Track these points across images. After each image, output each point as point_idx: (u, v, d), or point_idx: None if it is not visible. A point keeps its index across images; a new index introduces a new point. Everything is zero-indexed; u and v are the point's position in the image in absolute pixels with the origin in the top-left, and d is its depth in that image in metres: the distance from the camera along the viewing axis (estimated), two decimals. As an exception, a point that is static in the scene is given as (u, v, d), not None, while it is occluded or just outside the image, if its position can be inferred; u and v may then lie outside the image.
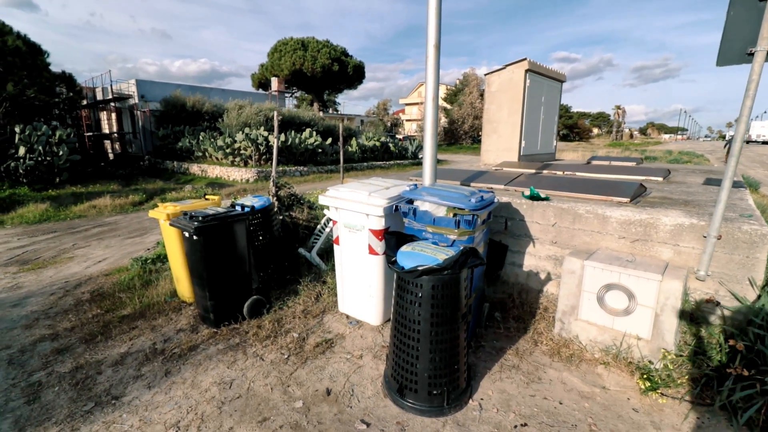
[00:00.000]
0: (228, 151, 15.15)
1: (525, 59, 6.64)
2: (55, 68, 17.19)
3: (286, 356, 2.72)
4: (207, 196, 3.78)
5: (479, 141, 40.59)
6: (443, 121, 39.73)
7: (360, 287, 3.01)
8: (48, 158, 12.11)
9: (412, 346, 2.07)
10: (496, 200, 2.73)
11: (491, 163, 7.32)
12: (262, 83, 34.26)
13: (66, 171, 12.56)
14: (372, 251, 2.82)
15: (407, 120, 58.52)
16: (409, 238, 2.33)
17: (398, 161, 21.62)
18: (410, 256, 2.02)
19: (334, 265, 3.97)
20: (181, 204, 3.41)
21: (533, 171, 5.86)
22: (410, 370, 2.12)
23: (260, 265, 3.76)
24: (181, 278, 3.53)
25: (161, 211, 3.34)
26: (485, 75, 7.19)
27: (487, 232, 2.76)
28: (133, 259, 4.87)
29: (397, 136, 32.48)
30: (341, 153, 5.23)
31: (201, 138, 16.63)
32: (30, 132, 11.93)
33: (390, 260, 2.10)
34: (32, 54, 13.89)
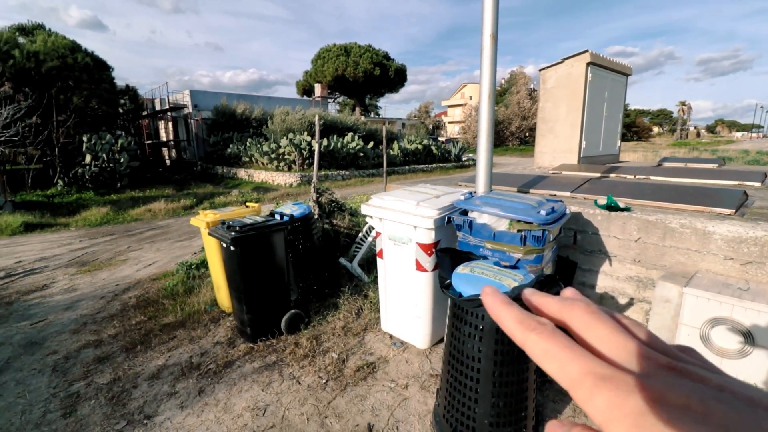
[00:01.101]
0: (273, 156, 15.48)
1: (587, 51, 6.04)
2: (120, 81, 18.55)
3: (324, 381, 2.47)
4: (247, 204, 3.66)
5: (526, 142, 39.17)
6: (487, 122, 38.52)
7: (406, 306, 2.72)
8: (111, 165, 12.97)
9: (470, 387, 1.74)
10: (568, 211, 2.33)
11: (547, 166, 6.74)
12: (306, 90, 35.11)
13: (126, 176, 13.40)
14: (420, 267, 2.52)
15: (449, 122, 57.60)
16: (465, 256, 2.00)
17: (441, 164, 21.14)
18: (469, 281, 1.69)
19: (376, 278, 3.71)
20: (221, 212, 3.30)
21: (598, 175, 5.27)
22: (467, 414, 1.78)
23: (299, 276, 3.58)
24: (221, 286, 3.43)
25: (201, 219, 3.25)
26: (540, 70, 6.66)
27: (556, 249, 2.36)
28: (178, 264, 4.90)
29: (439, 138, 31.90)
30: (384, 157, 4.98)
31: (248, 144, 17.17)
32: (95, 141, 12.83)
33: (444, 284, 1.78)
34: (99, 69, 15.00)
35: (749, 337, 1.91)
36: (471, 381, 1.73)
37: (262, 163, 16.31)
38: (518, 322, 0.25)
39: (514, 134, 38.34)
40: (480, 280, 1.68)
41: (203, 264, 4.81)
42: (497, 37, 2.89)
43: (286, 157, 15.38)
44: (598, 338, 0.23)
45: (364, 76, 31.91)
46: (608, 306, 2.84)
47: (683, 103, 65.37)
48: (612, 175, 5.29)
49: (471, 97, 58.78)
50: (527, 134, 39.01)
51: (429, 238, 2.42)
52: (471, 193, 2.46)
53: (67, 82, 13.41)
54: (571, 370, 0.21)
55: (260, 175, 15.65)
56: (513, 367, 1.67)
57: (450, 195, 2.66)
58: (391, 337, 2.96)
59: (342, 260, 4.04)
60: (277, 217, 3.26)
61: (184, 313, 3.54)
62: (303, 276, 3.62)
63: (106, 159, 12.78)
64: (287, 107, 19.31)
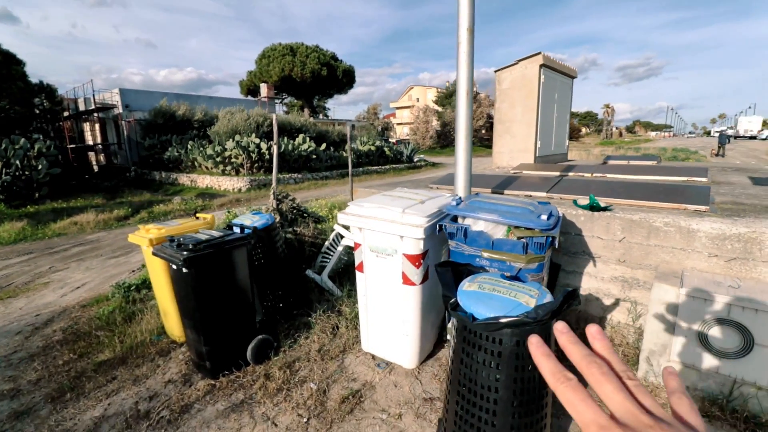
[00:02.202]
0: (218, 159, 14.50)
1: (539, 53, 6.18)
2: (36, 79, 16.48)
3: (305, 419, 2.14)
4: (198, 215, 3.20)
5: (473, 143, 40.37)
6: (435, 123, 39.41)
7: (391, 323, 2.47)
8: (26, 173, 11.37)
9: (486, 420, 1.53)
10: (560, 214, 2.21)
11: (505, 166, 6.83)
12: (251, 90, 33.64)
13: (46, 185, 11.82)
14: (407, 280, 2.28)
15: (398, 124, 58.18)
16: (463, 269, 1.80)
17: (394, 165, 21.14)
18: (482, 300, 1.48)
19: (350, 291, 3.42)
20: (167, 225, 2.83)
21: (557, 173, 5.37)
22: (481, 449, 1.57)
23: (263, 293, 3.20)
24: (169, 312, 2.95)
25: (143, 236, 2.76)
26: (495, 71, 6.72)
27: (550, 254, 2.24)
28: (114, 286, 4.25)
29: (390, 140, 31.98)
30: (350, 158, 4.69)
31: (189, 147, 15.96)
32: (7, 146, 11.19)
33: (451, 304, 1.56)
34: (7, 63, 13.14)
35: (748, 334, 1.90)
36: (487, 413, 1.52)
37: (207, 168, 15.23)
38: (552, 374, 0.35)
39: (461, 135, 39.47)
40: (494, 299, 1.47)
41: (145, 284, 4.21)
42: (474, 30, 2.74)
43: (233, 160, 14.47)
44: (605, 395, 0.33)
45: (312, 76, 31.21)
46: (592, 307, 2.80)
47: (607, 106, 71.54)
48: (571, 174, 5.42)
49: (418, 99, 59.93)
50: (473, 136, 40.37)
51: (417, 248, 2.19)
52: (459, 198, 2.26)
53: (-35, 78, 11.57)
54: (584, 417, 0.32)
55: (205, 180, 14.59)
56: (535, 394, 1.49)
57: (435, 200, 2.45)
58: (374, 357, 2.69)
59: (309, 273, 3.70)
60: (237, 229, 2.86)
61: (125, 346, 3.01)
62: (267, 293, 3.23)
63: (20, 166, 11.18)
64: (232, 108, 18.26)
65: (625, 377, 0.34)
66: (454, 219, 2.19)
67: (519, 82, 6.54)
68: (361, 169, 18.81)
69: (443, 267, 1.74)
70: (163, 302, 2.97)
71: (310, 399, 2.29)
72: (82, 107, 20.47)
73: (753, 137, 47.85)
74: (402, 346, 2.48)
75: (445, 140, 39.53)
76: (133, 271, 5.40)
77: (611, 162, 7.49)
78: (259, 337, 2.64)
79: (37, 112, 16.65)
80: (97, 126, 20.81)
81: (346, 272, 3.93)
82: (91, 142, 21.12)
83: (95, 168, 19.96)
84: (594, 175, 5.14)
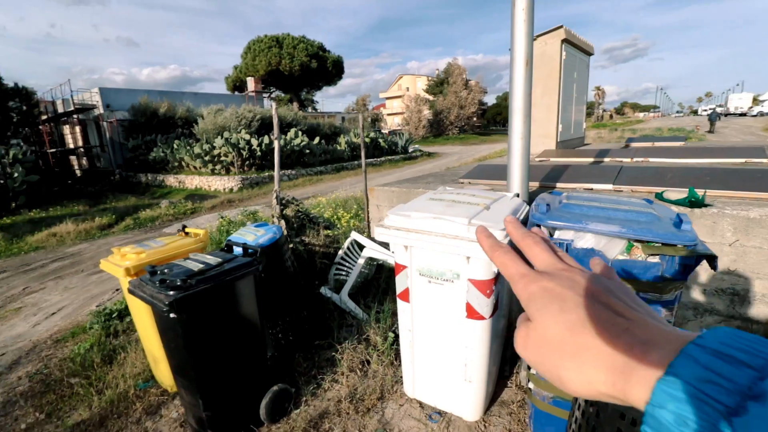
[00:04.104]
0: (207, 158, 13.74)
1: (561, 27, 5.58)
2: (12, 83, 15.51)
3: None
4: (187, 230, 2.58)
5: (465, 131, 39.84)
6: (426, 112, 38.67)
7: (447, 365, 1.89)
8: (1, 181, 10.56)
9: None
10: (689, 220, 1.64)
11: (523, 154, 6.26)
12: (237, 85, 32.62)
13: (23, 194, 11.02)
14: (473, 313, 1.70)
15: (389, 114, 57.25)
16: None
17: (389, 157, 20.50)
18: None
19: (377, 314, 2.83)
20: (148, 249, 2.20)
21: (591, 160, 4.81)
22: None
23: (273, 321, 2.60)
24: (158, 359, 2.34)
25: (117, 263, 2.14)
26: (510, 49, 6.11)
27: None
28: (93, 314, 3.62)
29: (382, 131, 31.22)
30: (362, 150, 4.08)
31: (175, 146, 15.13)
32: (-24, 152, 10.36)
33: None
34: (-27, 63, 12.18)
35: None
36: None
37: (195, 168, 14.45)
38: (489, 247, 0.39)
39: (453, 123, 38.86)
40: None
41: (128, 310, 3.59)
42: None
43: (223, 158, 13.73)
44: (533, 255, 0.37)
45: (301, 69, 30.27)
46: (692, 327, 2.25)
47: (598, 88, 71.25)
48: (606, 160, 4.87)
49: (408, 89, 58.97)
50: (465, 124, 39.77)
51: (489, 271, 1.61)
52: (547, 204, 1.67)
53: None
54: (510, 270, 0.36)
55: (193, 181, 13.84)
56: None
57: (501, 203, 1.86)
58: (421, 405, 2.12)
59: (325, 291, 3.11)
60: (238, 250, 2.25)
61: (104, 400, 2.40)
62: (278, 321, 2.64)
63: (-9, 175, 10.38)
64: (219, 104, 17.44)
65: (554, 249, 0.39)
66: (537, 227, 1.62)
67: (538, 61, 5.94)
68: (356, 162, 18.14)
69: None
70: (150, 347, 2.36)
71: (351, 478, 1.72)
72: (60, 109, 19.42)
73: (743, 114, 47.82)
74: (462, 394, 1.91)
75: (438, 129, 38.88)
76: (117, 289, 4.76)
77: (634, 144, 6.95)
78: (274, 388, 2.06)
79: (13, 117, 15.69)
80: (77, 128, 19.80)
81: (368, 288, 3.35)
82: (72, 146, 20.11)
83: (78, 173, 19.03)
84: (634, 159, 4.59)
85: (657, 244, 1.32)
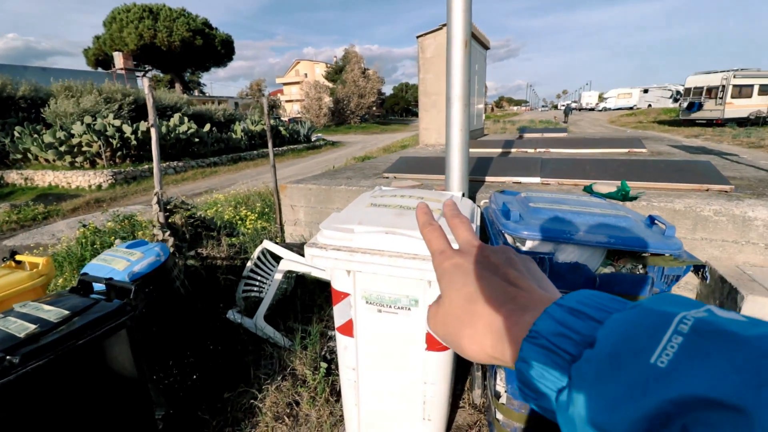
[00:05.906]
0: (63, 149, 11.19)
1: (466, 17, 5.61)
2: None
3: None
4: (18, 258, 1.77)
5: (366, 120, 40.10)
6: (327, 100, 37.84)
7: (402, 406, 1.57)
8: None
9: None
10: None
11: (434, 144, 6.25)
12: (101, 60, 27.58)
13: None
14: (434, 345, 1.40)
15: (287, 101, 54.70)
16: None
17: (291, 146, 19.42)
18: None
19: (302, 338, 2.38)
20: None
21: (500, 151, 4.94)
22: None
23: (163, 367, 1.98)
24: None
25: None
26: (417, 37, 5.98)
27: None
28: None
29: (282, 118, 29.48)
30: (270, 140, 3.46)
31: (17, 134, 12.01)
32: None
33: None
34: None
35: None
36: None
37: (47, 160, 11.69)
38: (422, 223, 0.41)
39: (354, 112, 38.76)
40: None
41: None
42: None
43: (86, 149, 11.33)
44: (456, 235, 0.39)
45: (183, 45, 26.80)
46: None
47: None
48: (513, 150, 5.05)
49: (306, 75, 56.97)
50: (366, 113, 40.04)
51: (454, 295, 1.31)
52: (508, 208, 1.43)
53: None
54: (433, 246, 0.38)
55: (46, 177, 11.18)
56: None
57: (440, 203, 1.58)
58: (368, 451, 1.77)
59: (233, 315, 2.52)
60: (99, 286, 1.58)
61: None
62: (171, 367, 2.02)
63: None
64: (75, 81, 14.35)
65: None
66: (503, 238, 1.36)
67: (442, 51, 5.92)
68: (255, 152, 16.75)
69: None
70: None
71: None
72: None
73: (591, 109, 57.16)
74: (419, 435, 1.62)
75: (339, 117, 38.37)
76: None
77: (527, 135, 7.49)
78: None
79: None
80: None
81: (288, 306, 2.85)
82: None
83: None
84: (537, 150, 4.83)
85: (646, 254, 1.16)
